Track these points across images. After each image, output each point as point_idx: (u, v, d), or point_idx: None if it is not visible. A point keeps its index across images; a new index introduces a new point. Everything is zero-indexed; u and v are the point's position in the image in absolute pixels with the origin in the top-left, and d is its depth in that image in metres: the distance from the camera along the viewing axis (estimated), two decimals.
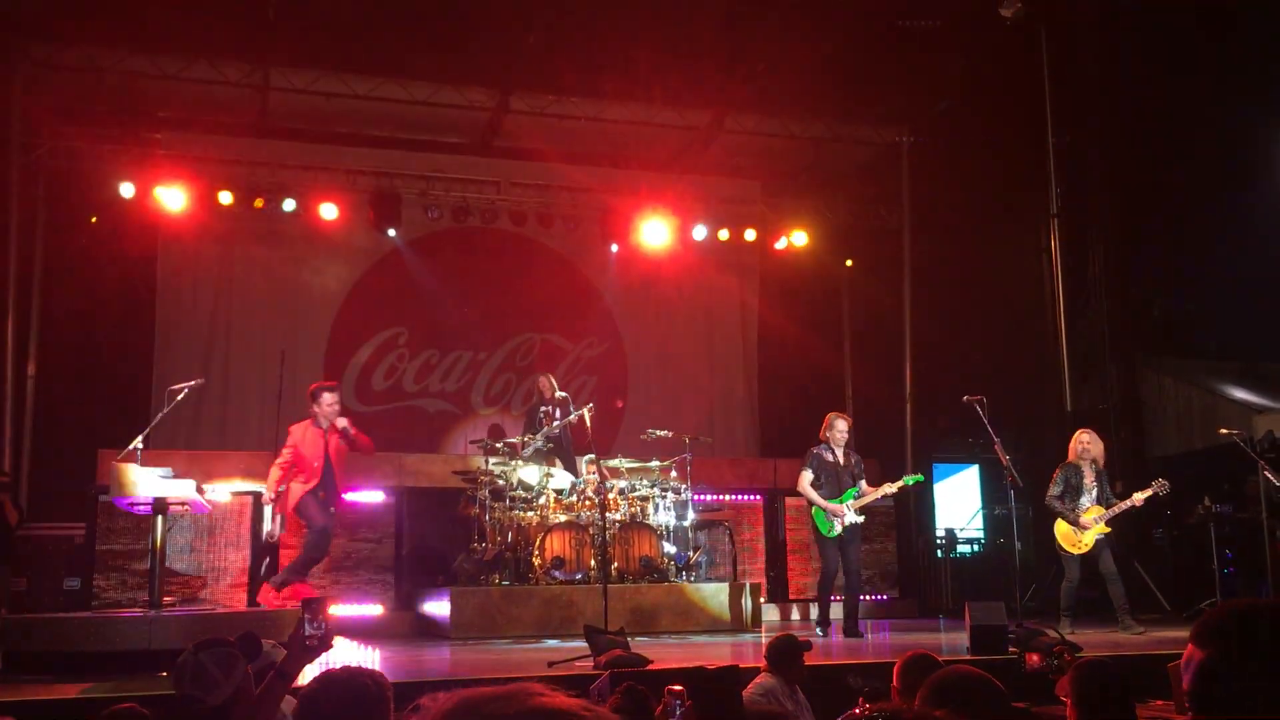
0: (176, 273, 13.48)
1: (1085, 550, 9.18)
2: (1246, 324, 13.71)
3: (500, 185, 13.81)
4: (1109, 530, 9.13)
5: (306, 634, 3.34)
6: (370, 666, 3.11)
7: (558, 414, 10.82)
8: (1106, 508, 9.19)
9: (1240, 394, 13.71)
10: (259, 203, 12.88)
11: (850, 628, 9.17)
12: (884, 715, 1.18)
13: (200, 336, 13.45)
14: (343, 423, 9.35)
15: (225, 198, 12.79)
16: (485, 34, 12.01)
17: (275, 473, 9.33)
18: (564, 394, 10.95)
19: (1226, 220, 13.43)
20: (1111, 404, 12.93)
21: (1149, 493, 9.15)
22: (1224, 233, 13.35)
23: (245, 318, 13.57)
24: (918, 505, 13.13)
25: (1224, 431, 9.58)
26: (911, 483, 9.69)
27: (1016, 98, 12.99)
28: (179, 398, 8.57)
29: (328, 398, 9.38)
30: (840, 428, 9.41)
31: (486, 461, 10.51)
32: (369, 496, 11.48)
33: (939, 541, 12.77)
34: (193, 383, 8.98)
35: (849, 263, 15.33)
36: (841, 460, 9.36)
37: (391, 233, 13.65)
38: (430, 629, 10.20)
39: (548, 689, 0.83)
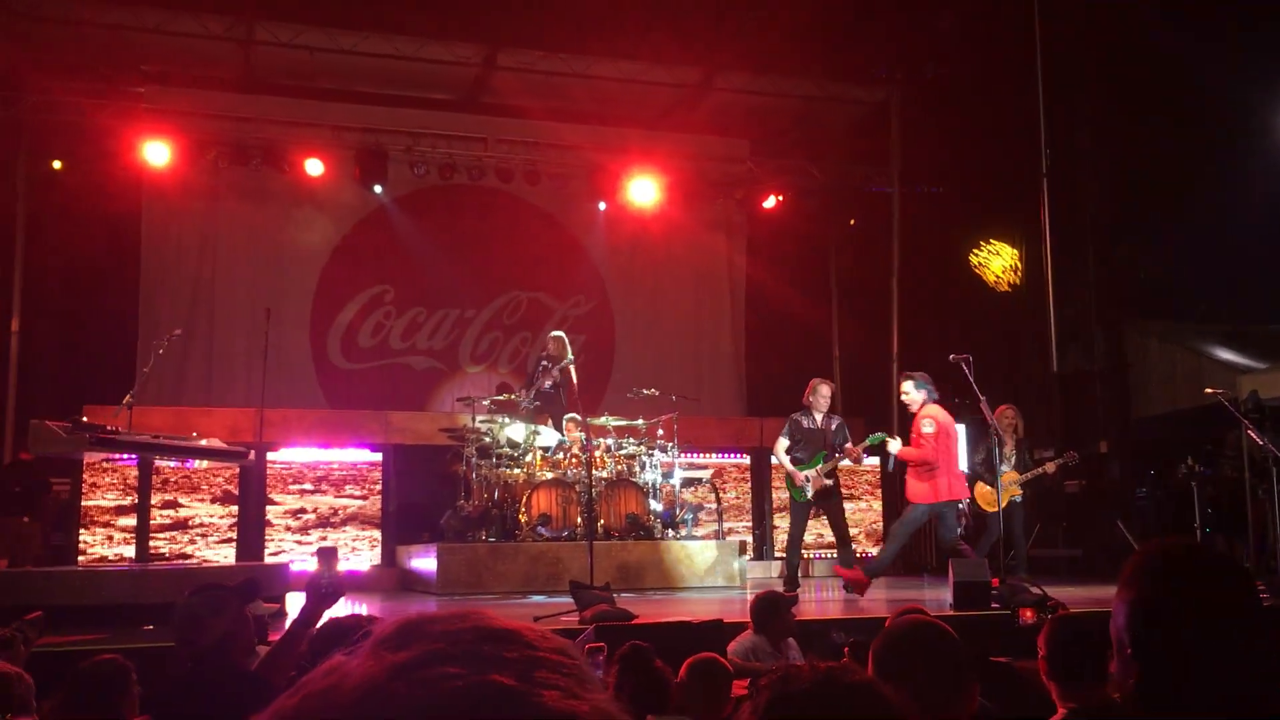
0: (161, 228, 13.37)
1: (998, 509, 9.53)
2: (1233, 287, 13.72)
3: (487, 142, 13.65)
4: (1022, 493, 9.62)
5: (324, 582, 3.54)
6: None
7: (556, 372, 10.69)
8: (1022, 474, 9.61)
9: (1226, 355, 13.73)
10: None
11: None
12: (819, 673, 1.17)
13: (185, 293, 13.37)
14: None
15: (210, 153, 12.70)
16: None
17: None
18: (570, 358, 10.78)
19: (1217, 183, 13.40)
20: (1097, 366, 12.95)
21: (1061, 461, 9.83)
22: (1214, 196, 13.32)
23: (230, 274, 13.48)
24: (902, 464, 13.15)
25: (1209, 391, 9.57)
26: (874, 442, 9.62)
27: (1008, 57, 12.88)
28: (160, 351, 8.56)
29: None
30: (824, 393, 9.34)
31: (473, 419, 10.51)
32: (356, 454, 11.48)
33: None
34: (175, 334, 8.99)
35: (852, 222, 15.28)
36: (820, 425, 9.26)
37: (378, 189, 13.54)
38: (416, 584, 10.24)
39: (496, 613, 0.82)
